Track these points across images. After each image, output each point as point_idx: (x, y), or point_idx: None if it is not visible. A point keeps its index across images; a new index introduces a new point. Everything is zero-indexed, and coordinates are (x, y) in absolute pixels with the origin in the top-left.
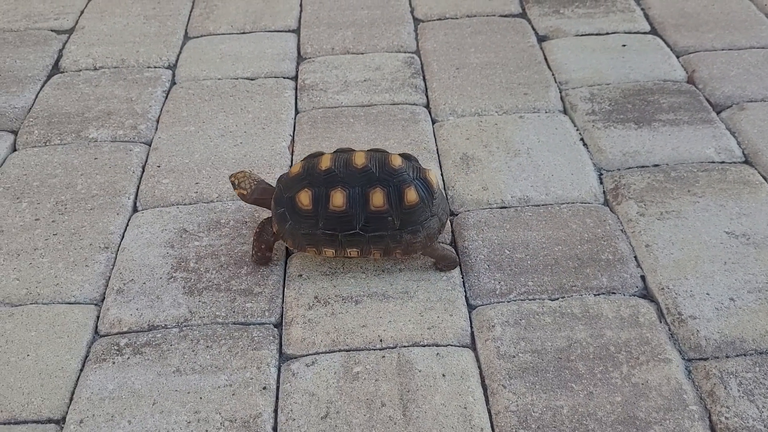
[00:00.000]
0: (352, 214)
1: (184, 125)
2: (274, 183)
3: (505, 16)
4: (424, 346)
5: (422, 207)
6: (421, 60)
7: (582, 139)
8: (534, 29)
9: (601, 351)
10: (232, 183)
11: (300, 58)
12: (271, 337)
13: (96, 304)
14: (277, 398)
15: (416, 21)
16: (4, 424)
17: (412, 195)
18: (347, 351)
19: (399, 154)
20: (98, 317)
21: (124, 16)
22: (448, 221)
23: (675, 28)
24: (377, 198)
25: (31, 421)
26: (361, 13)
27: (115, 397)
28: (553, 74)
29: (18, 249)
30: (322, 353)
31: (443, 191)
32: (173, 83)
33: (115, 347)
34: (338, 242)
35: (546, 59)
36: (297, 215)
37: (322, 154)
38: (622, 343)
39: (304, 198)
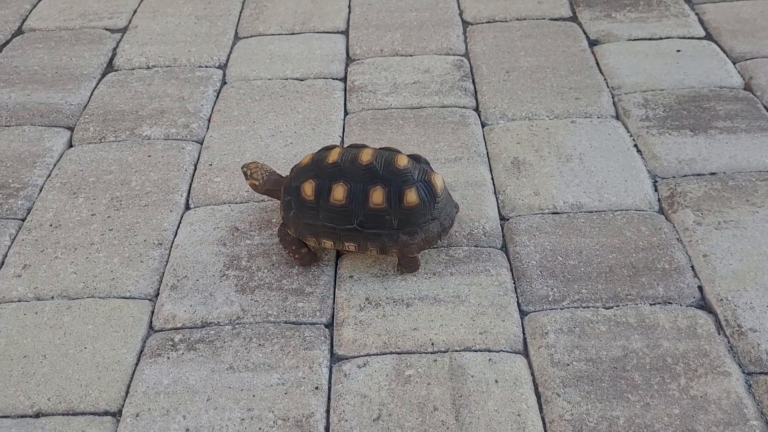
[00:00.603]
0: (351, 209)
1: (235, 124)
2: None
3: (555, 19)
4: (476, 351)
5: (422, 209)
6: (470, 63)
7: (636, 146)
8: (585, 33)
9: (657, 362)
10: (244, 173)
11: (349, 60)
12: (323, 338)
13: (150, 300)
14: (329, 398)
15: (465, 23)
16: (63, 414)
17: (412, 196)
18: (399, 354)
19: (408, 155)
20: (153, 312)
21: (175, 16)
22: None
23: (731, 34)
24: (377, 196)
25: (89, 412)
26: (409, 15)
27: (170, 391)
28: (605, 79)
29: (75, 243)
30: (373, 355)
31: (451, 196)
32: (224, 83)
33: (170, 342)
34: (337, 235)
35: (598, 64)
36: (301, 204)
37: (334, 147)
38: (680, 354)
39: (308, 188)
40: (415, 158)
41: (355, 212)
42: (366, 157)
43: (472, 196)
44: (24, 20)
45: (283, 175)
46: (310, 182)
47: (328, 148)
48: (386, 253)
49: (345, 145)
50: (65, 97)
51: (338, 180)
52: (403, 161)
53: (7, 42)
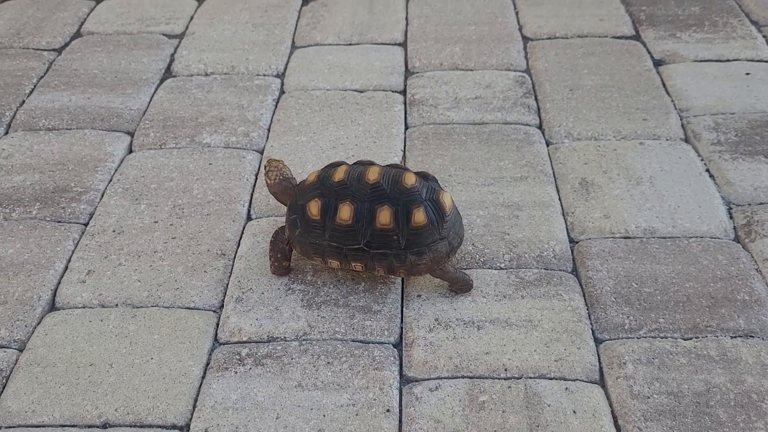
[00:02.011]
0: (358, 229)
1: (295, 135)
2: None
3: (618, 37)
4: (552, 379)
5: (430, 229)
6: (532, 79)
7: (708, 170)
8: (649, 52)
9: (742, 398)
10: (265, 167)
11: (408, 72)
12: (392, 358)
13: (214, 311)
14: (400, 422)
15: (525, 39)
16: (131, 426)
17: (419, 216)
18: (471, 378)
19: (416, 173)
20: (218, 324)
21: (232, 23)
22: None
23: None
24: (384, 216)
25: (157, 425)
26: (468, 29)
27: (238, 407)
28: (672, 100)
29: (138, 250)
30: (444, 378)
31: (459, 214)
32: (282, 92)
33: (237, 356)
34: (343, 255)
35: (664, 84)
36: (306, 224)
37: (340, 164)
38: (765, 391)
39: (314, 208)
40: (423, 176)
41: (362, 232)
42: (373, 175)
43: (540, 216)
44: (82, 23)
45: (297, 182)
46: (315, 201)
47: (334, 165)
48: (394, 274)
49: (407, 160)
50: (125, 102)
51: (345, 199)
52: (410, 180)
53: (66, 44)
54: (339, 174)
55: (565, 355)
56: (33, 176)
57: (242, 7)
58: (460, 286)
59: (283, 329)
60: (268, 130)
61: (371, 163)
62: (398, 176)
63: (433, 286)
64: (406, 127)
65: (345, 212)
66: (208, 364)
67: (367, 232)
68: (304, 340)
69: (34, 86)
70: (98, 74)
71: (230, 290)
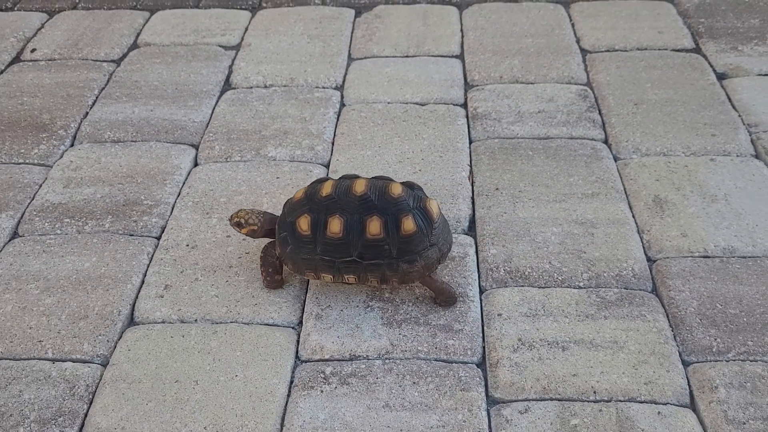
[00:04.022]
0: (349, 241)
1: (360, 149)
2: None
3: (678, 50)
4: (642, 402)
5: (420, 236)
6: (594, 93)
7: None
8: (711, 66)
9: None
10: (237, 224)
11: (467, 85)
12: (478, 378)
13: (293, 328)
14: None
15: (583, 51)
16: None
17: (409, 224)
18: (560, 400)
19: (401, 183)
20: (298, 342)
21: (288, 35)
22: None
23: None
24: (374, 226)
25: None
26: (525, 41)
27: (327, 427)
28: (739, 115)
29: (214, 265)
30: (533, 400)
31: (447, 221)
32: (343, 105)
33: (321, 375)
34: (335, 268)
35: (729, 99)
36: (297, 240)
37: (326, 179)
38: None
39: (303, 223)
40: (408, 185)
41: (353, 244)
42: (360, 187)
43: (615, 234)
44: (138, 34)
45: (274, 214)
46: (305, 217)
47: (321, 181)
48: (386, 283)
49: (475, 175)
50: (188, 114)
51: (334, 213)
52: (397, 189)
53: (125, 56)
54: (326, 189)
55: (655, 378)
56: (103, 189)
57: (296, 19)
58: (445, 298)
59: (365, 347)
60: (332, 143)
61: (357, 177)
62: (385, 187)
63: (513, 305)
64: (470, 141)
65: (335, 225)
66: (292, 382)
67: (358, 244)
68: (387, 358)
69: (96, 98)
70: (159, 86)
71: (308, 307)
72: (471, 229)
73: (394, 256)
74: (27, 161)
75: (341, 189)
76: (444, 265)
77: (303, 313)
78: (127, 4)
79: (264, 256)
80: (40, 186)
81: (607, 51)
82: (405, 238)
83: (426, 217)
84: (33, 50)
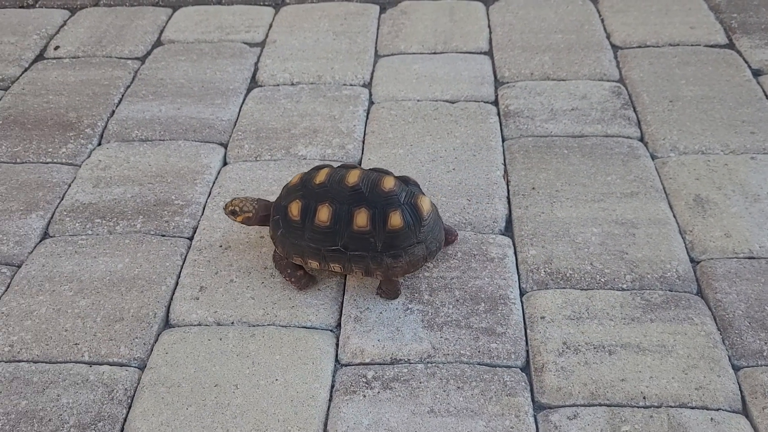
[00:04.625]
0: (336, 230)
1: (392, 147)
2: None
3: (711, 46)
4: (694, 408)
5: (407, 232)
6: (627, 90)
7: None
8: (746, 62)
9: None
10: (232, 212)
11: (498, 82)
12: (523, 383)
13: (332, 330)
14: None
15: (614, 47)
16: None
17: (396, 219)
18: (609, 406)
19: (395, 177)
20: (337, 345)
21: (313, 31)
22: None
23: None
24: (360, 218)
25: None
26: (555, 37)
27: None
28: None
29: (248, 266)
30: (581, 406)
31: (440, 219)
32: (371, 102)
33: (363, 379)
34: (322, 256)
35: (766, 95)
36: (288, 224)
37: (324, 167)
38: None
39: (294, 209)
40: (404, 180)
41: (340, 234)
42: (353, 178)
43: (657, 235)
44: (162, 31)
45: (268, 200)
46: (296, 202)
47: (318, 168)
48: (371, 275)
49: (510, 174)
50: (215, 113)
51: (324, 201)
52: (389, 183)
53: (149, 53)
54: (321, 176)
55: (705, 383)
56: (133, 188)
57: (321, 15)
58: (388, 289)
59: (406, 351)
60: (363, 141)
61: (353, 167)
62: (377, 180)
63: (556, 308)
64: (503, 140)
65: (323, 214)
66: (333, 386)
67: (344, 234)
68: (429, 362)
69: (122, 96)
70: (185, 84)
71: (346, 309)
72: (508, 230)
73: (379, 249)
74: (55, 160)
75: (335, 178)
76: (483, 266)
77: (341, 315)
78: (149, 1)
79: (276, 263)
80: (69, 185)
81: (639, 47)
82: (391, 232)
83: (415, 213)
84: (56, 48)
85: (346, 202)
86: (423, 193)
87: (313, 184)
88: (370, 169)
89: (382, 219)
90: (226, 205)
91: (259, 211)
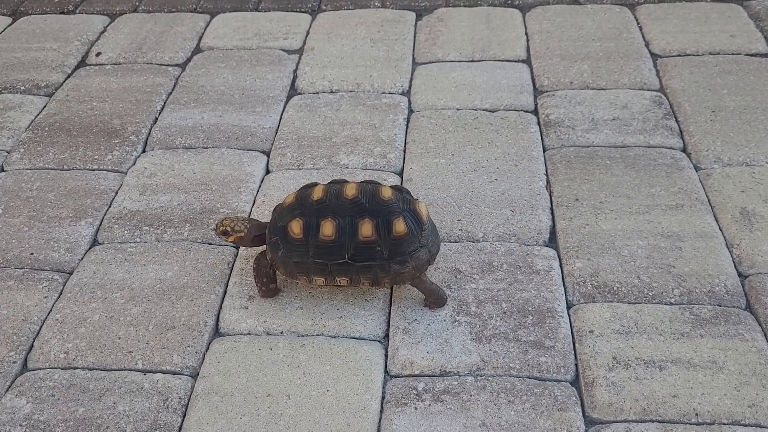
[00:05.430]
0: (342, 243)
1: (433, 157)
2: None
3: (753, 55)
4: (747, 426)
5: (411, 238)
6: (668, 99)
7: None
8: None
9: None
10: (224, 232)
11: (537, 91)
12: (574, 398)
13: (380, 341)
14: None
15: (653, 56)
16: None
17: (400, 226)
18: (661, 422)
19: (390, 186)
20: (386, 356)
21: (350, 39)
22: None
23: None
24: (366, 228)
25: None
26: (593, 45)
27: None
28: None
29: None
30: (633, 421)
31: (434, 223)
32: (411, 111)
33: (414, 391)
34: (328, 271)
35: None
36: (289, 244)
37: (316, 184)
38: None
39: (296, 227)
40: (397, 189)
41: (346, 246)
42: (351, 191)
43: (704, 248)
44: (200, 38)
45: (260, 220)
46: (297, 220)
47: (310, 186)
48: (379, 285)
49: (553, 185)
50: (257, 120)
51: (326, 216)
52: (387, 193)
53: (189, 60)
54: (317, 193)
55: (758, 400)
56: (179, 196)
57: (357, 22)
58: (434, 300)
59: (456, 363)
60: (404, 150)
61: (345, 181)
62: (375, 190)
63: (603, 321)
64: (544, 150)
65: (328, 228)
66: (383, 397)
67: (350, 246)
68: (479, 375)
69: (165, 103)
70: (226, 91)
71: (394, 320)
72: (552, 241)
73: (386, 257)
74: (101, 167)
75: (332, 193)
76: (529, 278)
77: (389, 326)
78: (188, 7)
79: (257, 266)
80: (116, 193)
81: (679, 55)
82: (396, 239)
83: (416, 219)
84: (98, 54)
85: (347, 214)
86: (417, 199)
87: (311, 200)
88: (362, 181)
89: (386, 227)
90: (216, 225)
91: (252, 231)
